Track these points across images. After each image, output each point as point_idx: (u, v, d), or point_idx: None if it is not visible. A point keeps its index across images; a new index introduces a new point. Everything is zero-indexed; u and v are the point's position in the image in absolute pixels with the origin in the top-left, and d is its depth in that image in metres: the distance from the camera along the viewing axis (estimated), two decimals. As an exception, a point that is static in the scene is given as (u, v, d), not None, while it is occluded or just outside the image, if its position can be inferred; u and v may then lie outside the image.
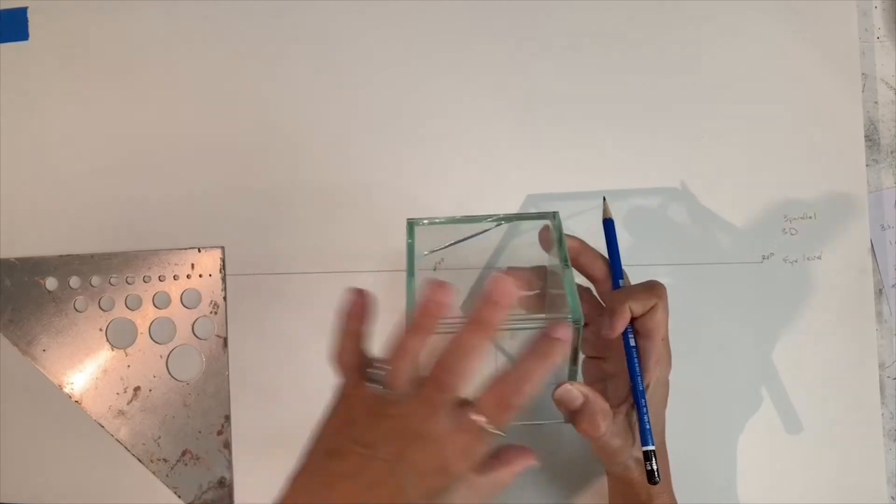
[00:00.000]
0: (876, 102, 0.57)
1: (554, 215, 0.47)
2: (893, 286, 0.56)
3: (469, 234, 0.51)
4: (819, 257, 0.55)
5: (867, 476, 0.53)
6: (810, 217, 0.55)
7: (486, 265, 0.54)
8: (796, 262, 0.55)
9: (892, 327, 0.55)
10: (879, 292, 0.56)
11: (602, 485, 0.50)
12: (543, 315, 0.49)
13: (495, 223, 0.49)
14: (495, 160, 0.56)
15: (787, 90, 0.56)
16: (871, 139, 0.57)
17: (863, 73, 0.57)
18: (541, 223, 0.48)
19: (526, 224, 0.52)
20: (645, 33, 0.57)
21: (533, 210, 0.55)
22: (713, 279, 0.55)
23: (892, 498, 0.54)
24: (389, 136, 0.57)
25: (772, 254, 0.55)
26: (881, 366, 0.55)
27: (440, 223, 0.48)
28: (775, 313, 0.55)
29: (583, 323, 0.41)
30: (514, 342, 0.54)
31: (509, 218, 0.49)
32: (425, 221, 0.48)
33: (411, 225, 0.47)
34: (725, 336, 0.55)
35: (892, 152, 0.57)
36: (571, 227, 0.52)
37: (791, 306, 0.55)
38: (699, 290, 0.55)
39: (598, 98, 0.56)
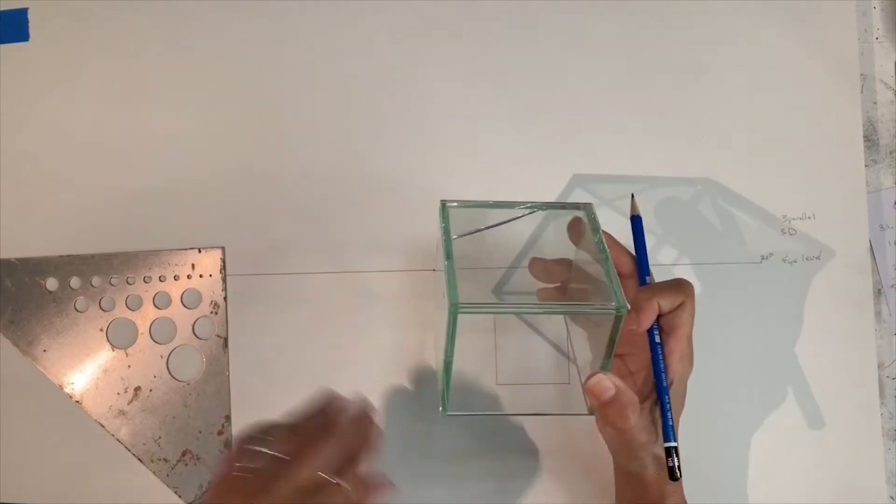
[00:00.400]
0: (875, 103, 0.57)
1: (587, 207, 0.46)
2: (892, 286, 0.56)
3: (499, 221, 0.50)
4: (818, 257, 0.55)
5: (867, 476, 0.54)
6: (809, 217, 0.55)
7: (514, 252, 0.54)
8: (795, 262, 0.55)
9: (891, 327, 0.56)
10: (878, 292, 0.56)
11: (608, 480, 0.50)
12: (587, 304, 0.47)
13: (528, 211, 0.48)
14: (495, 160, 0.56)
15: (787, 90, 0.56)
16: (870, 139, 0.57)
17: (862, 74, 0.57)
18: (572, 213, 0.47)
19: (557, 213, 0.51)
20: (643, 34, 0.57)
21: (568, 199, 0.55)
22: (712, 279, 0.55)
23: (892, 498, 0.54)
24: (391, 137, 0.57)
25: (771, 254, 0.55)
26: (880, 366, 0.55)
27: (473, 207, 0.47)
28: (774, 314, 0.55)
29: (626, 312, 0.40)
30: (551, 324, 0.54)
31: (542, 206, 0.48)
32: (456, 204, 0.47)
33: (444, 206, 0.46)
34: (723, 336, 0.55)
35: (890, 152, 0.57)
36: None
37: (790, 307, 0.55)
38: (698, 290, 0.55)
39: (596, 97, 0.56)
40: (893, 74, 0.57)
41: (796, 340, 0.54)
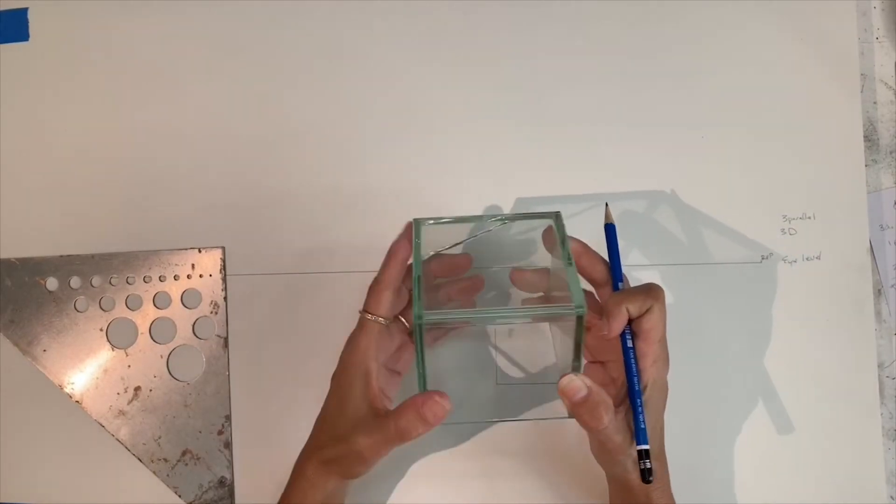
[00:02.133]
0: (875, 103, 0.57)
1: (557, 215, 0.47)
2: (892, 286, 0.56)
3: (472, 235, 0.51)
4: (818, 257, 0.55)
5: (867, 476, 0.54)
6: (809, 217, 0.55)
7: (488, 264, 0.54)
8: (795, 262, 0.55)
9: (891, 327, 0.56)
10: (878, 292, 0.56)
11: (602, 485, 0.50)
12: (546, 306, 0.50)
13: (499, 223, 0.50)
14: (495, 162, 0.56)
15: (787, 90, 0.56)
16: (870, 139, 0.57)
17: (862, 74, 0.57)
18: (543, 223, 0.48)
19: (528, 223, 0.52)
20: (644, 33, 0.57)
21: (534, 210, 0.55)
22: (712, 279, 0.55)
23: (892, 497, 0.54)
24: (390, 138, 0.57)
25: (771, 254, 0.55)
26: (880, 366, 0.55)
27: (446, 223, 0.48)
28: (774, 313, 0.55)
29: (585, 312, 0.41)
30: (512, 340, 0.54)
31: (513, 218, 0.50)
32: (431, 221, 0.48)
33: (418, 224, 0.47)
34: (724, 336, 0.55)
35: (890, 152, 0.57)
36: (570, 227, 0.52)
37: (790, 306, 0.55)
38: (698, 290, 0.55)
39: (597, 98, 0.56)
40: (893, 74, 0.57)
41: (796, 340, 0.54)
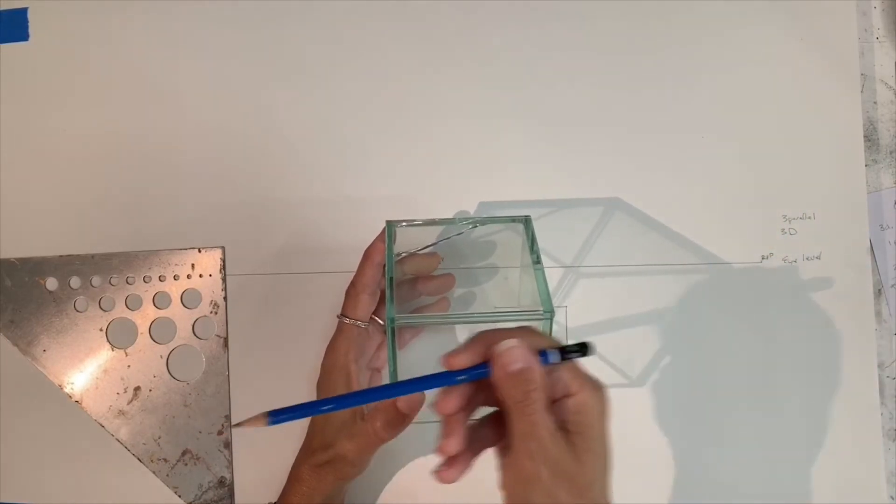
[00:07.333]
0: (875, 103, 0.57)
1: (526, 219, 0.48)
2: (893, 286, 0.56)
3: (443, 237, 0.53)
4: (818, 257, 0.55)
5: (867, 476, 0.54)
6: (809, 217, 0.55)
7: (457, 264, 0.55)
8: (795, 262, 0.55)
9: (891, 327, 0.56)
10: (879, 292, 0.56)
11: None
12: (515, 310, 0.50)
13: (470, 226, 0.51)
14: (493, 164, 0.56)
15: (787, 90, 0.56)
16: (871, 139, 0.57)
17: (862, 74, 0.57)
18: (513, 226, 0.50)
19: (497, 226, 0.54)
20: (642, 33, 0.57)
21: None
22: (712, 279, 0.55)
23: (892, 497, 0.54)
24: (388, 139, 0.57)
25: (771, 254, 0.55)
26: (880, 366, 0.55)
27: (418, 225, 0.50)
28: (774, 313, 0.55)
29: (554, 315, 0.42)
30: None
31: (483, 221, 0.52)
32: (403, 223, 0.49)
33: (391, 226, 0.48)
34: (724, 336, 0.55)
35: (891, 152, 0.57)
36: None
37: (790, 306, 0.55)
38: (698, 290, 0.55)
39: (595, 98, 0.56)
40: (893, 74, 0.57)
41: (796, 340, 0.54)
